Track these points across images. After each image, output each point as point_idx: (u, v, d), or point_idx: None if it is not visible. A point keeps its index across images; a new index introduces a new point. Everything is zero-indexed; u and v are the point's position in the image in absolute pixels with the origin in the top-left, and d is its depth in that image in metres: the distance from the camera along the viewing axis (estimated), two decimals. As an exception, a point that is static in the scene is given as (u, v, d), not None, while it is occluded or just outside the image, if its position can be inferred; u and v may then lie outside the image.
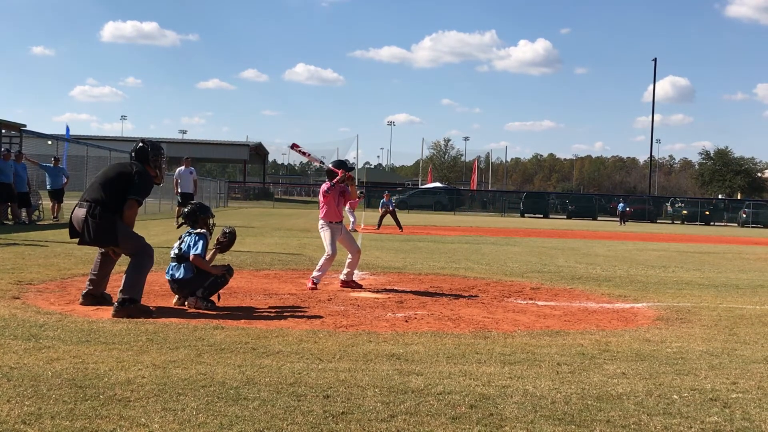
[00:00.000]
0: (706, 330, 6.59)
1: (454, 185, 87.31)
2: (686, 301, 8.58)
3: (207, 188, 41.62)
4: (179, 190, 21.65)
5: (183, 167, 21.86)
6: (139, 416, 3.45)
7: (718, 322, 7.08)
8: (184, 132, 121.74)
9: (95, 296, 6.64)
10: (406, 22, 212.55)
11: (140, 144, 6.82)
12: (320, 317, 6.54)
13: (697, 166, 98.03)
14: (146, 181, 6.59)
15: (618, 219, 46.10)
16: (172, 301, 6.92)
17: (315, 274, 8.58)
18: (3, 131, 20.86)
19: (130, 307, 6.16)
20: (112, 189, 6.46)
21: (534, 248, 17.62)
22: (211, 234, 7.15)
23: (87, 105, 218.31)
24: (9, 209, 17.97)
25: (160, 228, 19.39)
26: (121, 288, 6.25)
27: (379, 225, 25.04)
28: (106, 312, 6.22)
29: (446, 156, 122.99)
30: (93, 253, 9.94)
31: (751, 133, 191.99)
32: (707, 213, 56.94)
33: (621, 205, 46.71)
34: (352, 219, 23.01)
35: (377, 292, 8.48)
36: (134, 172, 6.53)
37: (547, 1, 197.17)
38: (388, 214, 25.70)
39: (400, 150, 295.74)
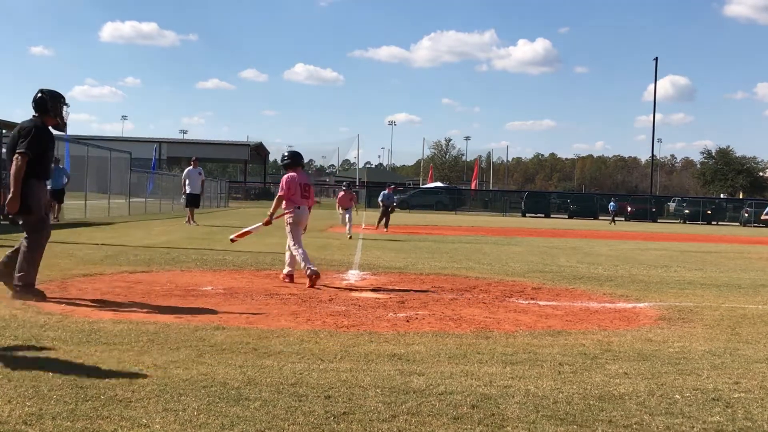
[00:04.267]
0: (709, 330, 6.58)
1: (455, 185, 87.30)
2: (688, 300, 8.57)
3: (208, 188, 41.61)
4: (187, 190, 21.68)
5: (191, 167, 21.89)
6: (140, 417, 3.45)
7: (721, 321, 7.07)
8: (184, 132, 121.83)
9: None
10: (404, 21, 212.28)
11: (39, 94, 6.78)
12: (321, 317, 6.53)
13: (698, 166, 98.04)
14: (34, 134, 6.51)
15: (610, 218, 45.43)
16: None
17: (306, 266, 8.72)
18: (3, 131, 20.83)
19: (23, 290, 6.30)
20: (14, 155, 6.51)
21: (535, 248, 17.61)
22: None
23: (87, 105, 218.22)
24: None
25: (161, 228, 19.41)
26: (17, 271, 6.34)
27: (379, 223, 23.34)
28: (107, 313, 6.22)
29: (447, 156, 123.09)
30: (94, 254, 9.96)
31: (752, 132, 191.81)
32: (709, 212, 56.93)
33: (612, 204, 46.25)
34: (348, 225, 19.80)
35: (378, 292, 8.47)
36: (21, 129, 6.54)
37: (546, 0, 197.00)
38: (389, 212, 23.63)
39: (401, 149, 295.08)
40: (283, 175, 9.26)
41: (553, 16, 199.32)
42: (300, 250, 8.75)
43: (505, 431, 3.49)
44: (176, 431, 3.30)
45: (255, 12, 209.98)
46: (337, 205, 23.02)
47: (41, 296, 6.58)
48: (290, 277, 8.91)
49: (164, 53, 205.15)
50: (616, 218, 45.50)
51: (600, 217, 54.32)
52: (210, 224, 22.70)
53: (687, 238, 26.89)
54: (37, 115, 6.71)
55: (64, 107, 6.86)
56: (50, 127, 6.87)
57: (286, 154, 9.39)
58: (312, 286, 8.47)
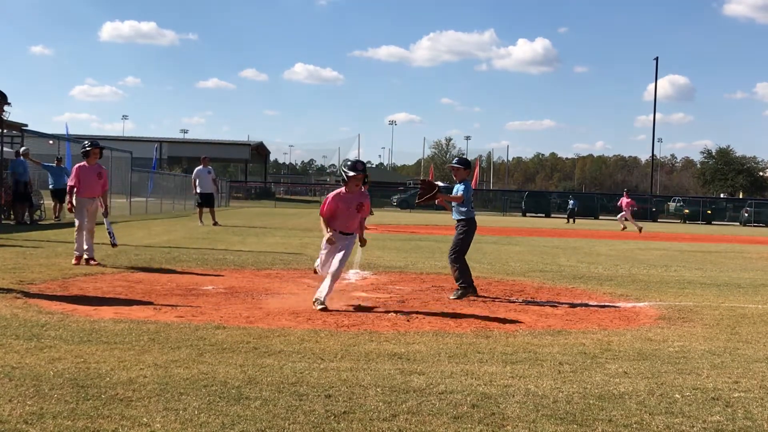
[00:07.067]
0: (708, 329, 6.58)
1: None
2: (688, 300, 8.57)
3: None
4: (198, 190, 21.50)
5: (201, 166, 21.66)
6: (140, 416, 3.46)
7: (720, 321, 7.08)
8: (185, 132, 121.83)
9: None
10: (404, 21, 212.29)
11: None
12: (322, 317, 6.54)
13: (698, 165, 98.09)
14: None
15: (566, 217, 43.40)
16: None
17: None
18: (5, 131, 20.87)
19: None
20: None
21: (536, 247, 17.61)
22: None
23: (87, 105, 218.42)
24: (25, 209, 18.09)
25: (161, 228, 19.40)
26: None
27: None
28: (108, 312, 6.22)
29: (448, 155, 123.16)
30: (95, 253, 9.99)
31: (752, 132, 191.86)
32: (709, 212, 56.93)
33: (571, 202, 44.07)
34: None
35: (378, 291, 8.47)
36: None
37: (545, 0, 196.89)
38: None
39: (402, 149, 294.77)
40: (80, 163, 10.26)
41: (553, 16, 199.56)
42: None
43: (506, 430, 3.49)
44: (177, 430, 3.30)
45: (255, 12, 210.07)
46: (324, 227, 7.22)
47: None
48: (79, 259, 9.83)
49: (164, 53, 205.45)
50: (573, 217, 42.54)
51: (601, 217, 54.32)
52: (223, 223, 22.69)
53: (687, 238, 26.89)
54: None
55: (5, 106, 7.11)
56: None
57: (87, 142, 10.46)
58: (77, 264, 9.63)
